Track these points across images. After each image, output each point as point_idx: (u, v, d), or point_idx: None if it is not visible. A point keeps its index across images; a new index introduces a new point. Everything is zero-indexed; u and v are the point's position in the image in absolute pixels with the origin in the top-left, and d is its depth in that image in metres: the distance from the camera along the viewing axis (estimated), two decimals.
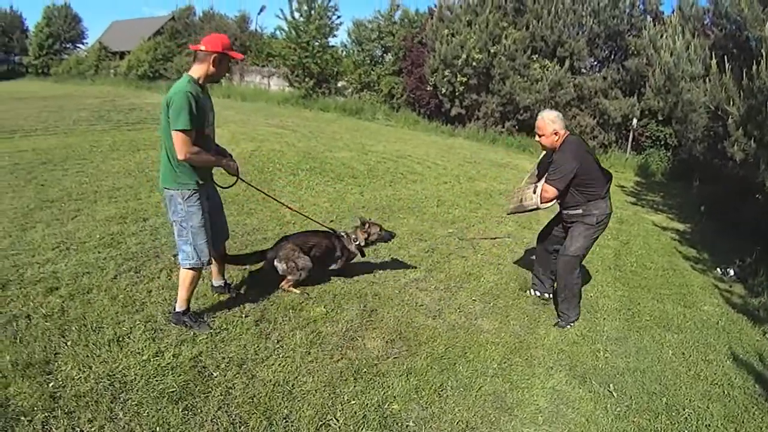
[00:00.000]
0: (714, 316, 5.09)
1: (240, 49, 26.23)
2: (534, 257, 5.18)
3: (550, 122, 4.21)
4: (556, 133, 4.21)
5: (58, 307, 3.67)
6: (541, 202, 4.24)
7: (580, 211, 4.27)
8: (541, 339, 4.16)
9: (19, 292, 3.83)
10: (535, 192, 4.30)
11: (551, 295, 4.90)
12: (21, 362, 3.00)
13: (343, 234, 4.76)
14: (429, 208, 7.59)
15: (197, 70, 3.37)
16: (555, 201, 4.29)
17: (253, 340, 3.56)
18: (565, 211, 4.42)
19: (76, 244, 4.83)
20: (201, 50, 3.33)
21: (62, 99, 18.34)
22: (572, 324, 4.44)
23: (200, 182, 3.43)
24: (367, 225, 4.81)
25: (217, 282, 4.17)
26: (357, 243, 4.74)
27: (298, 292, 4.37)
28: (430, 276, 5.13)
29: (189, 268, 3.53)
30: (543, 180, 4.28)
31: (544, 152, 4.47)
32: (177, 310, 3.63)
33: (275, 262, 4.37)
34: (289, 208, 5.25)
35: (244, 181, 4.14)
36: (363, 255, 4.91)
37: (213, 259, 3.99)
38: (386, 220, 6.65)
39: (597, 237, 4.37)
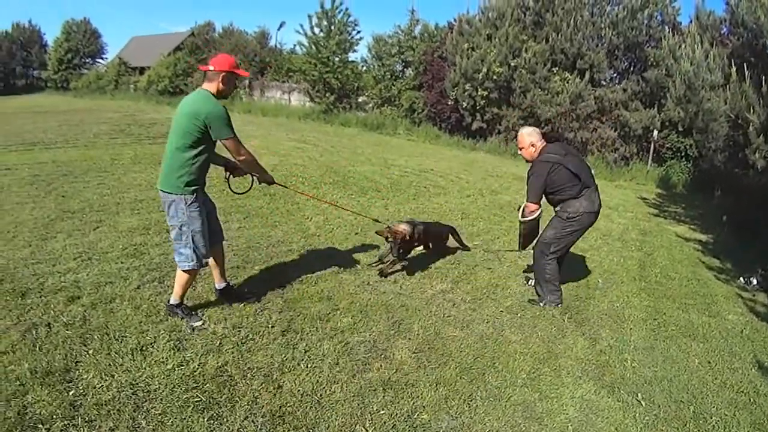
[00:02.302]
0: (738, 325, 5.03)
1: (259, 64, 26.64)
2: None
3: (526, 136, 4.75)
4: (533, 145, 4.73)
5: (79, 316, 3.64)
6: (524, 216, 4.74)
7: (558, 208, 4.81)
8: (569, 349, 4.08)
9: (39, 301, 3.80)
10: (521, 213, 4.83)
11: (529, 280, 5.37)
12: (40, 370, 2.97)
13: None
14: (453, 221, 7.47)
15: (210, 87, 3.57)
16: (540, 209, 4.74)
17: (279, 350, 3.51)
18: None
19: (98, 254, 4.81)
20: (210, 70, 3.54)
21: (82, 113, 18.63)
22: (546, 304, 4.82)
23: (200, 188, 3.63)
24: None
25: (219, 285, 4.14)
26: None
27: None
28: (457, 287, 5.07)
29: (187, 270, 3.67)
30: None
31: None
32: (171, 302, 3.77)
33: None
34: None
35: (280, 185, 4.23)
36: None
37: (214, 262, 4.04)
38: None
39: (573, 232, 4.77)
